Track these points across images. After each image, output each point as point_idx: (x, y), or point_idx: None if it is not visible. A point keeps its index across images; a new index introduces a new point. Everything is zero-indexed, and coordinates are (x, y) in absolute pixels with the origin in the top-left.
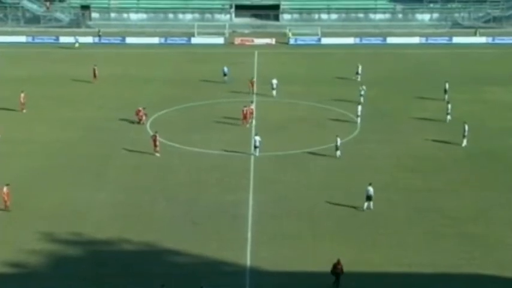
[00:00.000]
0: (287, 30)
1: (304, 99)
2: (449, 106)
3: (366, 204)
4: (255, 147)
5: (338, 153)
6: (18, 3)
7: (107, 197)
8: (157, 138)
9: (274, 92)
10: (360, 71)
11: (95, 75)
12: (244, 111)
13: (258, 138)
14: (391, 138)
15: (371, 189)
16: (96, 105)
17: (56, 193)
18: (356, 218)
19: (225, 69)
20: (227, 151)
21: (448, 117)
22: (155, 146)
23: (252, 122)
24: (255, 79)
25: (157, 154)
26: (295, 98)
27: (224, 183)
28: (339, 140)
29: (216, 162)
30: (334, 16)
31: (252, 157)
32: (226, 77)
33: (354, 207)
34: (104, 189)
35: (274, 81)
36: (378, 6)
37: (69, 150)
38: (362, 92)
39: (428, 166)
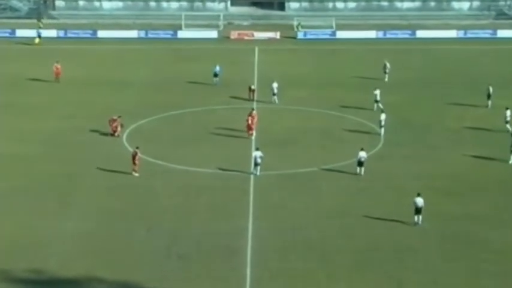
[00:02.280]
0: (294, 22)
1: (315, 105)
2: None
3: (415, 218)
4: (256, 164)
5: (361, 170)
6: None
7: (74, 226)
8: (138, 154)
9: (275, 98)
10: (388, 70)
11: (56, 75)
12: (249, 121)
13: (259, 153)
14: (422, 154)
15: (420, 201)
16: (61, 114)
17: (12, 221)
18: (378, 251)
19: (217, 68)
20: (221, 169)
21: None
22: (134, 163)
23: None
24: (254, 86)
25: (136, 173)
26: (304, 104)
27: (218, 209)
28: (363, 153)
29: (208, 183)
30: (351, 4)
31: (252, 177)
32: (216, 79)
33: (376, 238)
34: (71, 217)
35: (275, 85)
36: None
37: (28, 169)
38: (378, 98)
39: (467, 188)
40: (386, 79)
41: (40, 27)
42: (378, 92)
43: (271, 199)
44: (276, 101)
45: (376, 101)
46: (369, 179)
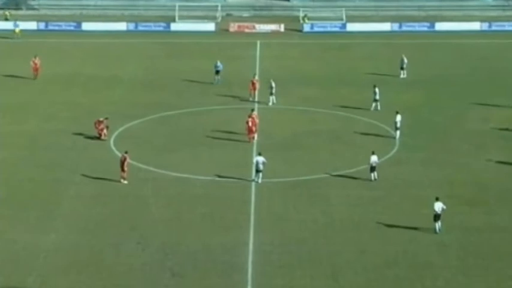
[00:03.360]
0: (300, 13)
1: (323, 105)
2: None
3: (436, 225)
4: (257, 171)
5: (374, 175)
6: None
7: (57, 239)
8: (128, 160)
9: (273, 98)
10: (405, 65)
11: (35, 71)
12: (250, 123)
13: (261, 159)
14: (442, 159)
15: (439, 205)
16: (42, 115)
17: None
18: (394, 268)
19: (219, 64)
20: (219, 176)
21: None
22: (123, 170)
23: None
24: (257, 77)
25: (125, 181)
26: (311, 104)
27: (215, 221)
28: (375, 157)
29: (204, 192)
30: None
31: (253, 184)
32: (218, 77)
33: (391, 253)
34: (53, 229)
35: (273, 84)
36: None
37: (5, 176)
38: (377, 96)
39: (492, 197)
40: (402, 75)
41: (7, 19)
42: (377, 89)
43: (275, 209)
44: (274, 101)
45: (375, 100)
46: (383, 187)
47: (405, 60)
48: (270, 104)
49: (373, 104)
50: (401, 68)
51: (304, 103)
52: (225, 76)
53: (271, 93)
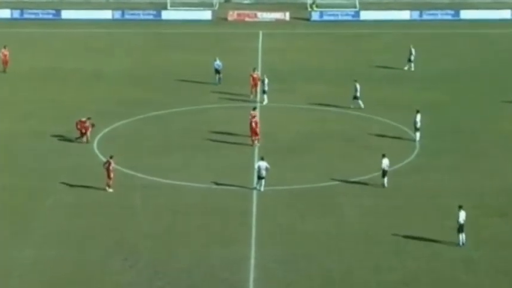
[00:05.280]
0: (308, 0)
1: (334, 103)
2: None
3: (460, 237)
4: (260, 177)
5: (385, 180)
6: None
7: (34, 254)
8: (112, 165)
9: (265, 97)
10: (413, 58)
11: (5, 64)
12: (253, 123)
13: (263, 164)
14: (469, 165)
15: (463, 215)
16: (15, 114)
17: None
18: (413, 287)
19: (218, 63)
20: (217, 184)
21: None
22: (109, 177)
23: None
24: (258, 73)
25: (110, 189)
26: (320, 102)
27: (212, 234)
28: (386, 161)
29: (200, 201)
30: None
31: (255, 193)
32: (219, 75)
33: (411, 270)
34: (30, 243)
35: (265, 81)
36: None
37: None
38: (358, 93)
39: None
40: (409, 68)
41: None
42: (358, 85)
43: (279, 221)
44: (266, 100)
45: (356, 97)
46: (401, 196)
47: (413, 52)
48: (265, 103)
49: (355, 102)
50: (409, 60)
51: (312, 101)
52: (223, 71)
53: (263, 92)
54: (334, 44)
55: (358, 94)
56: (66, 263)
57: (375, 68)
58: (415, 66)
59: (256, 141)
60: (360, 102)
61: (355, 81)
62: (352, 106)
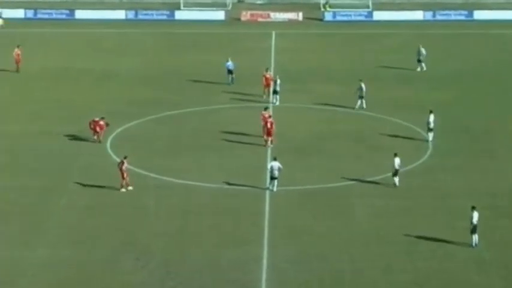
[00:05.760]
0: (321, 0)
1: (346, 104)
2: None
3: (473, 238)
4: (272, 178)
5: (396, 180)
6: None
7: (46, 255)
8: (126, 165)
9: (276, 97)
10: (422, 58)
11: (17, 64)
12: (269, 124)
13: (276, 164)
14: (482, 166)
15: (475, 216)
16: (28, 114)
17: None
18: (424, 287)
19: (229, 64)
20: (229, 184)
21: None
22: (122, 177)
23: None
24: (271, 73)
25: (123, 189)
26: (332, 102)
27: (224, 234)
28: (397, 160)
29: (212, 201)
30: None
31: (268, 193)
32: (232, 76)
33: (423, 271)
34: (43, 243)
35: (278, 81)
36: None
37: None
38: (363, 93)
39: None
40: (419, 69)
41: None
42: (363, 85)
43: (291, 221)
44: (276, 100)
45: (361, 97)
46: (413, 196)
47: (423, 52)
48: (276, 103)
49: (359, 102)
50: (419, 61)
51: (325, 101)
52: (235, 71)
53: (274, 92)
54: (347, 44)
55: (363, 94)
56: (78, 263)
57: (387, 68)
58: (426, 66)
59: (269, 142)
60: (363, 101)
61: (360, 80)
62: (356, 106)
